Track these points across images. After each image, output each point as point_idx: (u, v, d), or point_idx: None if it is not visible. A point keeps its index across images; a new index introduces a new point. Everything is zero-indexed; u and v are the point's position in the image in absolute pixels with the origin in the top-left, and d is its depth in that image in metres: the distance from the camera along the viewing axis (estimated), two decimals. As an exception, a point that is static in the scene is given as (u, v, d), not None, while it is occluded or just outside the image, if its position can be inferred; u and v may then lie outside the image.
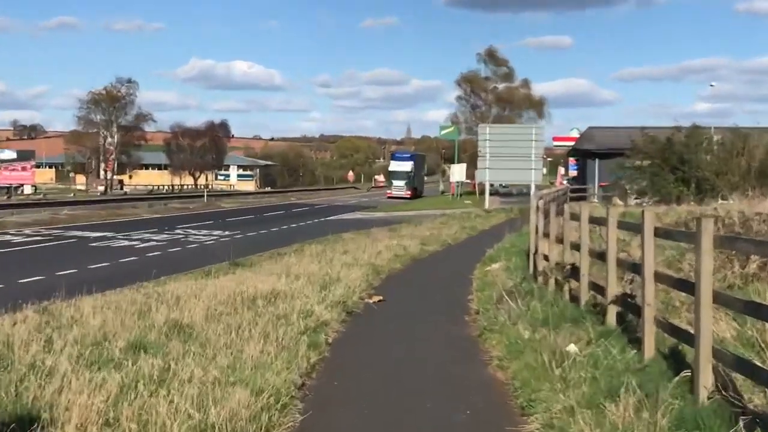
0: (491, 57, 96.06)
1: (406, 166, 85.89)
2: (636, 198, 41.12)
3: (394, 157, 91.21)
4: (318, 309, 13.00)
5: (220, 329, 10.71)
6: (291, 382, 8.90)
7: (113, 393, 7.68)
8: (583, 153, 62.84)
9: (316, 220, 46.81)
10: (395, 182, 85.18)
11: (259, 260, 22.34)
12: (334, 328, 12.57)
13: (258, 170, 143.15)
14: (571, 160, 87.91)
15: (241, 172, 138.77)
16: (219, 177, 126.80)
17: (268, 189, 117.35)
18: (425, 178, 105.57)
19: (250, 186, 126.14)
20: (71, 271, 21.01)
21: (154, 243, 30.32)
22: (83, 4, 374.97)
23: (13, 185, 71.67)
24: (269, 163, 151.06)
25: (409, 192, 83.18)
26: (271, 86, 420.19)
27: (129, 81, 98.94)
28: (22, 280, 19.35)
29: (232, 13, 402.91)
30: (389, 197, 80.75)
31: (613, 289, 10.70)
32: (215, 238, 32.65)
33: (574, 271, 12.86)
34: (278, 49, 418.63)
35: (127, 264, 23.31)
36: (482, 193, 61.40)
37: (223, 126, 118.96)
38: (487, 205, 54.34)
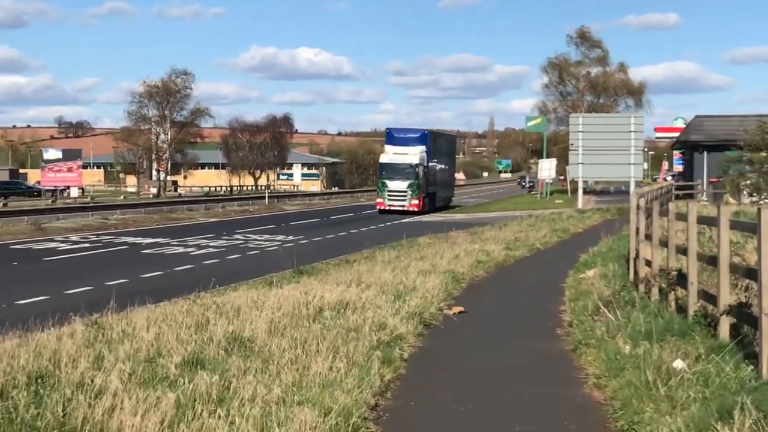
0: (583, 38, 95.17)
1: (412, 154, 58.78)
2: (751, 195, 40.42)
3: (390, 138, 62.09)
4: (392, 321, 13.01)
5: (284, 344, 10.78)
6: (363, 402, 8.92)
7: (169, 414, 7.78)
8: (690, 145, 61.88)
9: (388, 223, 46.95)
10: (390, 184, 58.06)
11: (326, 267, 22.44)
12: (410, 343, 12.58)
13: (324, 169, 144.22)
14: (676, 154, 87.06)
15: (305, 170, 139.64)
16: (281, 176, 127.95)
17: (336, 189, 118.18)
18: (455, 175, 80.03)
19: (315, 186, 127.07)
20: (122, 280, 21.36)
21: (212, 249, 30.70)
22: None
23: (59, 187, 73.20)
24: (336, 160, 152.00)
25: (416, 202, 57.57)
26: (338, 75, 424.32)
27: (185, 73, 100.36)
28: (69, 291, 19.74)
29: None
30: (380, 210, 58.24)
31: (726, 297, 10.50)
32: (278, 243, 32.91)
33: (681, 278, 12.68)
34: (347, 34, 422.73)
35: (183, 272, 23.62)
36: (575, 191, 60.96)
37: (286, 120, 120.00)
38: (580, 204, 53.94)
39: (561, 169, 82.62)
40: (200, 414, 7.84)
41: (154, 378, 9.08)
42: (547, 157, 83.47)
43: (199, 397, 8.35)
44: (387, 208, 57.31)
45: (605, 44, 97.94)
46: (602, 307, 13.45)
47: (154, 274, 23.23)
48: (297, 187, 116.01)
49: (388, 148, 60.79)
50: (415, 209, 56.83)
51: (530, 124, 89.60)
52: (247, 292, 15.87)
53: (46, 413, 7.67)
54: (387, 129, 63.45)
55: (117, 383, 8.55)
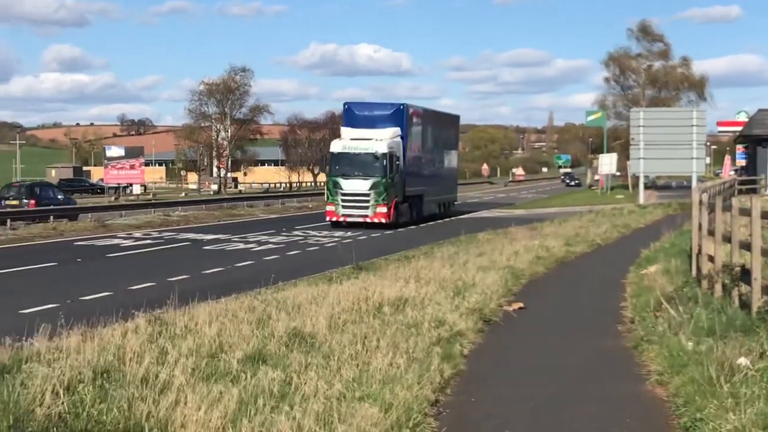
0: (644, 32, 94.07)
1: (379, 139, 40.14)
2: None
3: (348, 117, 42.66)
4: (451, 317, 13.02)
5: (344, 339, 10.83)
6: (423, 398, 8.94)
7: (231, 408, 7.86)
8: (753, 139, 61.11)
9: (446, 219, 46.85)
10: (345, 184, 39.68)
11: (385, 264, 22.47)
12: (469, 339, 12.57)
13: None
14: (739, 148, 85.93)
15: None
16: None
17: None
18: (457, 169, 57.32)
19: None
20: (184, 276, 21.55)
21: (272, 245, 30.86)
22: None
23: (122, 185, 74.10)
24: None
25: (383, 210, 39.26)
26: (398, 71, 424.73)
27: (243, 70, 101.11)
28: (132, 287, 19.95)
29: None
30: (332, 222, 40.19)
31: (791, 294, 10.37)
32: (337, 239, 33.02)
33: (744, 274, 12.53)
34: (406, 30, 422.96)
35: (243, 268, 23.77)
36: (636, 186, 60.44)
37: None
38: (641, 199, 53.48)
39: (622, 165, 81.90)
40: (262, 409, 7.91)
41: (217, 373, 9.19)
42: (608, 152, 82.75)
43: (261, 392, 8.42)
44: (342, 219, 39.82)
45: (667, 38, 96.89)
46: (664, 303, 13.32)
47: (215, 270, 23.39)
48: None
49: (344, 131, 42.09)
50: (384, 220, 39.26)
51: (590, 118, 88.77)
52: (307, 288, 15.95)
53: (111, 408, 7.79)
54: (345, 104, 43.58)
55: (180, 378, 8.66)
